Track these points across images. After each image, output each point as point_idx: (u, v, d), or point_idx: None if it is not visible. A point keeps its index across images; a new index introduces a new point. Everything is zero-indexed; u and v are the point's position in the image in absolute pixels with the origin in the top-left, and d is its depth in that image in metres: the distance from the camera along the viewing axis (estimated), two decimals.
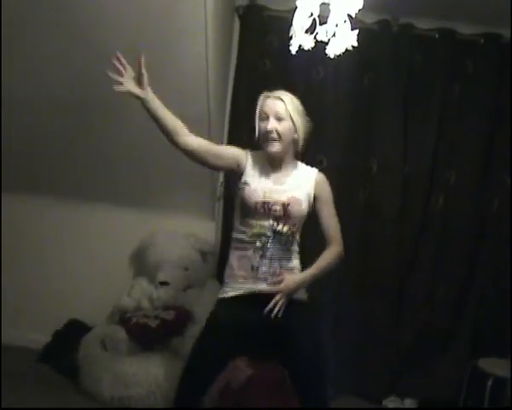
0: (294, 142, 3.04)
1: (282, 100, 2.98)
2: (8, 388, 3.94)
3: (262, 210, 2.92)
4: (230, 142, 4.75)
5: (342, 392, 4.62)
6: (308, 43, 3.02)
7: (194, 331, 4.19)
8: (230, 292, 2.98)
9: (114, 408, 3.96)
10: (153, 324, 4.20)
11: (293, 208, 2.95)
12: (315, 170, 3.13)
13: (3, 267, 4.94)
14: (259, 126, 3.01)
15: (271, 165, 3.04)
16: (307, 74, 4.62)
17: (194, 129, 4.32)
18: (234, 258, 3.01)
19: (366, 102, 4.68)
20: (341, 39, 2.98)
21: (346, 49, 3.09)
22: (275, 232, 2.93)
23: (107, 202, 4.86)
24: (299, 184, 3.04)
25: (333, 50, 2.99)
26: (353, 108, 4.66)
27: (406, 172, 4.68)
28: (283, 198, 2.94)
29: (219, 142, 4.71)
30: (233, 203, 4.66)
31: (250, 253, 2.94)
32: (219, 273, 4.77)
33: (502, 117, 4.62)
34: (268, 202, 2.92)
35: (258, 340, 3.11)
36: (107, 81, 4.10)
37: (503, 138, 4.64)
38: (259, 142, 3.03)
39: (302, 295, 3.06)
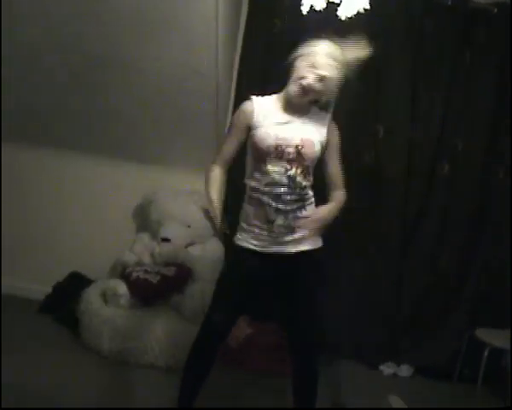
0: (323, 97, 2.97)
1: (331, 65, 2.86)
2: (8, 337, 3.98)
3: (275, 153, 2.86)
4: (238, 97, 4.74)
5: (339, 356, 4.65)
6: (320, 3, 3.00)
7: (194, 288, 4.22)
8: (245, 243, 2.96)
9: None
10: (154, 279, 4.22)
11: (306, 150, 2.88)
12: (328, 115, 3.04)
13: (4, 219, 4.94)
14: (299, 69, 2.87)
15: (285, 107, 2.97)
16: (317, 37, 4.57)
17: (203, 84, 4.33)
18: (249, 206, 2.97)
19: (375, 66, 4.64)
20: (353, 1, 2.96)
21: (358, 12, 3.07)
22: (289, 178, 2.86)
23: (111, 156, 4.86)
24: (312, 127, 2.96)
25: (344, 12, 2.98)
26: (362, 72, 4.62)
27: (413, 137, 4.65)
28: (296, 140, 2.87)
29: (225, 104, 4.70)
30: (241, 157, 4.69)
31: (266, 203, 2.88)
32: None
33: (511, 86, 4.59)
34: (281, 145, 2.85)
35: (265, 295, 3.10)
36: (113, 33, 4.10)
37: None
38: (289, 78, 2.92)
39: (318, 243, 3.03)
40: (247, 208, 2.98)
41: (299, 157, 2.87)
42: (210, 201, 2.96)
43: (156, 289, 4.20)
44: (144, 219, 4.81)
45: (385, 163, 4.68)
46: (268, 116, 2.93)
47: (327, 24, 4.41)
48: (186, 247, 4.61)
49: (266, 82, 4.70)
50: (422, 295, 4.75)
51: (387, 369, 4.70)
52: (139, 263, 4.45)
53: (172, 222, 4.60)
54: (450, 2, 4.55)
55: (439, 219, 4.70)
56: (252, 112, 2.95)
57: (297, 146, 2.87)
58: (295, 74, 2.88)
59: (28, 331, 4.28)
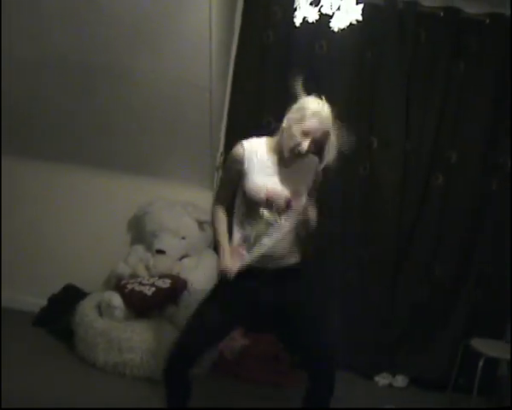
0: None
1: (328, 132, 2.89)
2: (4, 350, 3.97)
3: (265, 205, 2.90)
4: (232, 109, 4.75)
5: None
6: (312, 15, 3.01)
7: (189, 300, 4.22)
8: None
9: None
10: (148, 291, 4.21)
11: (294, 203, 2.93)
12: (314, 158, 3.04)
13: (2, 230, 4.94)
14: (294, 132, 2.87)
15: (275, 154, 3.00)
16: (310, 48, 4.60)
17: (197, 96, 4.34)
18: (237, 235, 3.00)
19: (369, 77, 4.66)
20: (346, 13, 2.98)
21: (351, 24, 3.08)
22: (276, 225, 2.92)
23: (106, 167, 4.85)
24: (301, 175, 3.02)
25: (337, 24, 2.99)
26: (355, 84, 4.65)
27: (407, 149, 4.66)
28: (285, 193, 2.92)
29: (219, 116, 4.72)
30: None
31: (252, 240, 2.93)
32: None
33: (505, 98, 4.60)
34: (271, 198, 2.90)
35: (256, 311, 3.11)
36: (108, 45, 4.11)
37: (506, 120, 4.62)
38: (284, 138, 2.93)
39: (295, 259, 3.06)
40: (235, 235, 3.02)
41: (287, 209, 2.93)
42: (220, 242, 3.07)
43: (151, 301, 4.19)
44: (139, 231, 4.81)
45: (379, 175, 4.69)
46: (258, 165, 2.96)
47: (320, 36, 4.50)
48: (181, 259, 4.62)
49: (260, 93, 4.72)
50: (417, 306, 4.74)
51: (383, 380, 4.70)
52: (134, 275, 4.44)
53: (167, 234, 4.60)
54: (442, 14, 4.57)
55: (434, 230, 4.71)
56: (242, 158, 2.96)
57: (286, 199, 2.92)
58: (289, 140, 2.89)
59: (24, 344, 4.27)
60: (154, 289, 4.24)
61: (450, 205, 4.70)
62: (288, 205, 2.92)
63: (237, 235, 2.99)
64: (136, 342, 4.02)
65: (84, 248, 4.96)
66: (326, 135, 2.87)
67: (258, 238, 2.92)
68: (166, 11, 3.90)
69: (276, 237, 2.91)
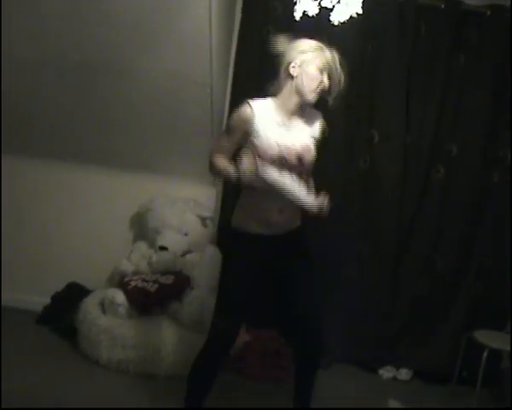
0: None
1: (335, 58, 2.97)
2: (7, 349, 3.98)
3: (278, 162, 2.90)
4: (233, 105, 4.74)
5: (337, 360, 4.65)
6: (312, 9, 3.01)
7: (192, 296, 4.22)
8: (244, 227, 3.04)
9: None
10: (151, 288, 4.22)
11: (305, 157, 2.98)
12: (318, 113, 3.15)
13: (3, 230, 4.94)
14: (311, 72, 2.93)
15: (282, 110, 3.03)
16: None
17: (197, 92, 4.33)
18: (247, 201, 3.05)
19: (369, 71, 4.65)
20: (346, 6, 2.97)
21: (351, 17, 3.07)
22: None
23: (107, 165, 4.85)
24: (308, 128, 3.07)
25: (337, 17, 2.98)
26: (356, 77, 4.64)
27: (407, 142, 4.65)
28: (296, 147, 2.96)
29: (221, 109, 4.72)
30: None
31: (265, 206, 2.98)
32: (219, 239, 4.79)
33: (505, 90, 4.59)
34: (282, 154, 2.92)
35: (264, 283, 3.14)
36: (108, 43, 4.10)
37: (506, 112, 4.61)
38: (298, 83, 2.98)
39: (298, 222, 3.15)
40: (245, 202, 3.07)
41: (299, 164, 2.96)
42: (221, 166, 2.99)
43: (154, 297, 4.20)
44: (141, 228, 4.81)
45: (380, 168, 4.69)
46: (267, 123, 2.97)
47: (320, 30, 4.49)
48: (183, 255, 4.62)
49: (261, 89, 4.71)
50: (418, 299, 4.74)
51: (386, 373, 4.70)
52: (137, 272, 4.45)
53: (170, 230, 4.60)
54: (443, 6, 4.56)
55: (434, 223, 4.71)
56: (251, 118, 2.96)
57: (297, 153, 2.95)
58: (310, 81, 2.94)
59: (27, 342, 4.28)
60: (157, 285, 4.25)
61: (450, 198, 4.69)
62: (299, 160, 2.95)
63: (247, 202, 3.04)
64: (139, 339, 4.03)
65: (86, 245, 4.96)
66: (335, 73, 2.96)
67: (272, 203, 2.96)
68: (166, 8, 3.89)
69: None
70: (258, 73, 4.67)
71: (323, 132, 3.15)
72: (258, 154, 2.90)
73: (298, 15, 3.05)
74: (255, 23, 4.64)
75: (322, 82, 2.93)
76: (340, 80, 2.98)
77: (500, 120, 4.63)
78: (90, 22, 4.00)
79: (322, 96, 2.99)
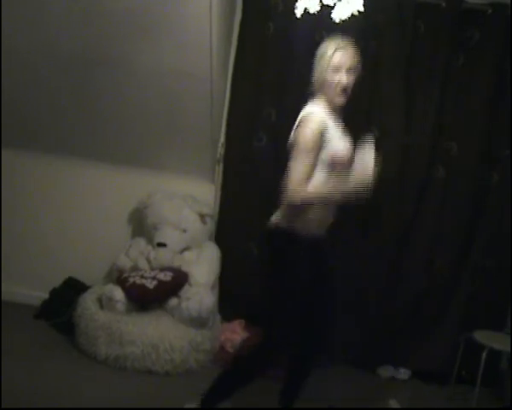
0: None
1: (350, 53, 3.00)
2: (6, 343, 3.97)
3: (340, 166, 3.02)
4: (233, 101, 4.74)
5: (336, 360, 4.64)
6: (313, 6, 3.00)
7: (190, 293, 4.22)
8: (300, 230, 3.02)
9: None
10: (150, 285, 4.21)
11: (350, 156, 3.07)
12: None
13: (2, 224, 4.93)
14: (328, 77, 2.97)
15: (331, 114, 3.06)
16: (311, 40, 4.57)
17: (197, 87, 4.32)
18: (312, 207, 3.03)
19: (369, 68, 4.63)
20: (347, 4, 2.96)
21: (352, 14, 3.06)
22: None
23: (106, 160, 4.83)
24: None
25: (338, 15, 2.98)
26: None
27: (407, 140, 4.64)
28: (349, 150, 3.07)
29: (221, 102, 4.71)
30: (232, 165, 4.65)
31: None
32: (218, 236, 4.79)
33: (505, 89, 4.58)
34: (341, 157, 3.02)
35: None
36: (107, 37, 4.08)
37: (506, 111, 4.59)
38: (321, 90, 3.03)
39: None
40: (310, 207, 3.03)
41: (347, 164, 3.04)
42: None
43: (153, 294, 4.20)
44: (140, 224, 4.81)
45: (379, 167, 4.67)
46: (331, 129, 3.00)
47: (321, 27, 4.47)
48: (182, 252, 4.61)
49: (261, 85, 4.70)
50: (418, 298, 4.73)
51: (385, 372, 4.69)
52: (135, 268, 4.44)
53: (168, 227, 4.59)
54: (444, 4, 4.54)
55: (434, 222, 4.69)
56: (325, 128, 2.95)
57: (349, 157, 3.06)
58: (329, 87, 2.99)
59: (25, 337, 4.27)
60: (155, 282, 4.24)
61: (449, 197, 4.68)
62: (349, 162, 3.03)
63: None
64: (137, 336, 4.02)
65: (84, 241, 4.95)
66: (353, 67, 3.00)
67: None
68: (166, 2, 3.88)
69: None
70: (259, 69, 4.67)
71: None
72: (329, 163, 2.97)
73: (299, 13, 3.04)
74: (256, 20, 4.63)
75: (339, 82, 2.96)
76: (355, 76, 3.04)
77: (500, 119, 4.61)
78: (89, 15, 3.98)
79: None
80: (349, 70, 2.97)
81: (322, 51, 3.01)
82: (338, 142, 3.00)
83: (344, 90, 2.98)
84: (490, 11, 4.50)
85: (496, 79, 4.57)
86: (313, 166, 2.95)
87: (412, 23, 4.55)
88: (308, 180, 2.92)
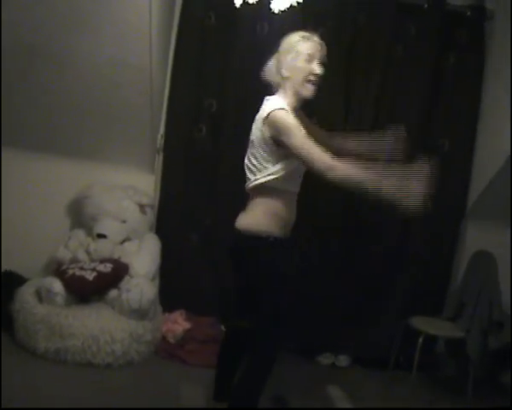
0: None
1: (322, 44, 2.96)
2: None
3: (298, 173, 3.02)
4: (173, 91, 4.71)
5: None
6: None
7: (131, 284, 4.19)
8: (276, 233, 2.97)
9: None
10: (89, 276, 4.17)
11: None
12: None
13: None
14: (301, 67, 2.91)
15: (294, 112, 2.96)
16: (251, 30, 4.58)
17: (137, 77, 4.29)
18: (278, 208, 2.98)
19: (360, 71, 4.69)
20: None
21: (291, 5, 3.08)
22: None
23: (44, 151, 4.75)
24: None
25: (277, 5, 2.98)
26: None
27: (346, 128, 4.67)
28: None
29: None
30: (172, 156, 4.61)
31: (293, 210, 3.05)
32: (158, 226, 4.77)
33: (443, 80, 4.71)
34: None
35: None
36: (45, 28, 4.01)
37: (443, 102, 4.74)
38: (287, 83, 2.95)
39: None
40: (276, 207, 2.99)
41: None
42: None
43: (92, 286, 4.15)
44: (79, 215, 4.74)
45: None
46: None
47: (262, 17, 4.49)
48: (122, 243, 4.58)
49: (201, 75, 4.70)
50: (357, 286, 4.80)
51: (325, 360, 4.75)
52: (74, 260, 4.39)
53: (108, 218, 4.54)
54: (426, 6, 4.62)
55: (373, 211, 4.76)
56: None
57: None
58: (301, 74, 2.92)
59: None
60: (95, 273, 4.20)
61: None
62: None
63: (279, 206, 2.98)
64: (77, 328, 3.97)
65: (22, 233, 4.86)
66: (324, 59, 2.94)
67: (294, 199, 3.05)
68: None
69: None
70: (199, 59, 4.66)
71: None
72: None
73: (238, 2, 3.05)
74: (197, 9, 4.62)
75: (312, 70, 2.91)
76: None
77: (439, 109, 4.74)
78: (26, 6, 3.91)
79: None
80: (320, 61, 2.94)
81: (291, 42, 2.95)
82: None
83: (315, 80, 2.94)
84: (468, 13, 4.62)
85: (435, 70, 4.69)
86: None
87: (354, 13, 4.61)
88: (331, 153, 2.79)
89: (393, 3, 4.62)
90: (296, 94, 2.96)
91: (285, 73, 2.93)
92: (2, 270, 4.72)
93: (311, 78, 2.92)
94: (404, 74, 4.71)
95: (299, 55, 2.90)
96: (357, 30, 4.63)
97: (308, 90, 2.95)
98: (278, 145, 2.85)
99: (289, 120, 2.83)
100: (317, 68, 2.91)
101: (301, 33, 2.95)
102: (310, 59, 2.90)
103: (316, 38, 2.95)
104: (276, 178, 2.91)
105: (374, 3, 4.63)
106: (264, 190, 2.96)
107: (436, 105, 4.75)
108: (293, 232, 3.10)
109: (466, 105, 4.77)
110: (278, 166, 2.90)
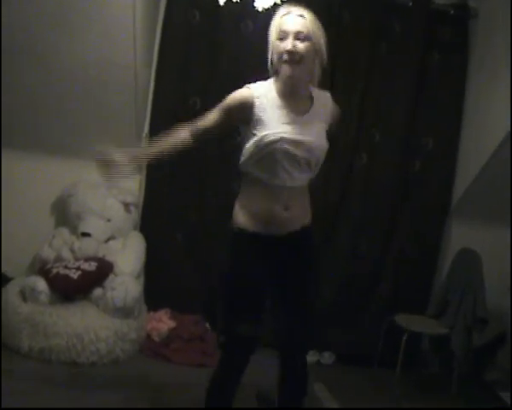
0: (316, 67, 2.70)
1: (304, 17, 2.60)
2: None
3: (285, 158, 2.64)
4: (157, 90, 4.70)
5: (262, 345, 4.66)
6: None
7: (115, 283, 4.18)
8: (250, 228, 2.76)
9: None
10: (73, 275, 4.15)
11: (317, 154, 2.71)
12: (328, 94, 2.84)
13: None
14: (275, 47, 2.62)
15: (285, 97, 2.69)
16: (236, 28, 4.58)
17: (121, 76, 4.27)
18: (251, 199, 2.78)
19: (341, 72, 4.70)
20: None
21: (275, 3, 3.08)
22: (295, 183, 2.72)
23: (28, 150, 4.72)
24: (318, 120, 2.74)
25: (261, 3, 2.98)
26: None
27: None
28: (306, 144, 2.66)
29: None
30: None
31: (270, 205, 2.72)
32: (143, 225, 4.76)
33: (427, 79, 4.75)
34: (288, 150, 2.63)
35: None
36: (30, 28, 3.99)
37: (429, 101, 4.77)
38: (274, 67, 2.69)
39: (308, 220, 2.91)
40: (247, 200, 2.80)
41: (309, 160, 2.71)
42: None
43: (76, 284, 4.14)
44: (63, 214, 4.73)
45: None
46: (270, 113, 2.66)
47: (246, 15, 4.49)
48: (107, 241, 4.57)
49: (186, 73, 4.69)
50: (342, 283, 4.82)
51: (310, 357, 4.75)
52: (59, 259, 4.37)
53: (92, 216, 4.53)
54: (410, 4, 4.64)
55: (358, 209, 4.79)
56: (251, 102, 2.66)
57: (308, 150, 2.67)
58: (274, 53, 2.65)
59: None
60: (79, 272, 4.19)
61: (373, 184, 4.79)
62: (309, 158, 2.69)
63: (251, 201, 2.78)
64: (61, 327, 3.95)
65: (6, 232, 4.82)
66: (310, 31, 2.59)
67: (276, 193, 2.71)
68: None
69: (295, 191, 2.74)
70: (184, 57, 4.65)
71: (336, 117, 2.89)
72: (260, 149, 2.64)
73: (222, 1, 3.05)
74: (181, 7, 4.61)
75: (284, 48, 2.58)
76: (317, 36, 2.63)
77: (423, 108, 4.77)
78: (11, 6, 3.88)
79: (304, 62, 2.61)
80: (298, 35, 2.57)
81: (273, 21, 2.68)
82: (276, 124, 2.64)
83: (291, 58, 2.57)
84: (452, 11, 4.64)
85: (419, 69, 4.71)
86: (212, 124, 2.77)
87: (338, 13, 4.62)
88: (199, 129, 2.82)
89: (378, 1, 4.64)
90: (279, 77, 2.68)
91: (269, 56, 2.70)
92: None
93: (285, 56, 2.57)
94: (389, 73, 4.73)
95: (273, 33, 2.63)
96: (341, 28, 4.64)
97: (285, 71, 2.61)
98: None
99: (227, 99, 2.71)
100: (289, 45, 2.56)
101: (283, 9, 2.66)
102: (284, 35, 2.58)
103: (296, 12, 2.62)
104: (245, 160, 2.73)
105: (358, 1, 4.65)
106: (242, 175, 2.83)
107: (420, 103, 4.77)
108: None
109: (450, 103, 4.80)
110: (245, 147, 2.73)
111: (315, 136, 2.70)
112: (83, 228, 4.50)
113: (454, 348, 4.35)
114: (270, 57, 2.68)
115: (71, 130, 4.67)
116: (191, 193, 4.76)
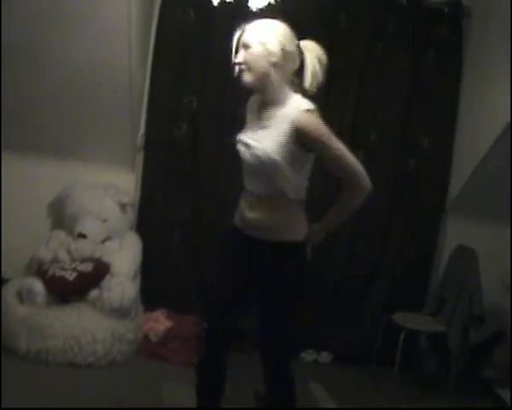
0: (275, 68, 2.60)
1: (250, 30, 2.63)
2: None
3: (242, 163, 2.72)
4: (153, 89, 4.70)
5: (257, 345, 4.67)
6: None
7: (112, 283, 4.18)
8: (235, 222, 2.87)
9: None
10: (70, 276, 4.15)
11: (265, 163, 2.57)
12: (299, 107, 2.60)
13: None
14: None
15: (261, 102, 2.72)
16: (230, 27, 4.56)
17: (116, 77, 4.27)
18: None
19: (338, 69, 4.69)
20: None
21: (269, 3, 3.08)
22: (256, 190, 2.72)
23: (25, 151, 4.72)
24: (274, 129, 2.60)
25: (255, 3, 2.98)
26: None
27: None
28: (253, 148, 2.61)
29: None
30: (153, 154, 4.60)
31: (241, 202, 2.81)
32: (139, 225, 4.76)
33: (422, 79, 4.75)
34: (240, 153, 2.70)
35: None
36: (26, 27, 3.98)
37: (424, 99, 4.79)
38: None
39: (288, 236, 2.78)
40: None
41: (255, 166, 2.66)
42: None
43: (73, 286, 4.14)
44: (60, 215, 4.72)
45: None
46: (248, 117, 2.81)
47: (240, 14, 4.48)
48: (103, 242, 4.57)
49: (181, 73, 4.69)
50: (340, 282, 4.82)
51: (308, 356, 4.76)
52: (55, 260, 4.37)
53: (88, 217, 4.52)
54: (404, 2, 4.64)
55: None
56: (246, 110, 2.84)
57: (254, 155, 2.62)
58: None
59: None
60: (76, 273, 4.19)
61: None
62: (254, 165, 2.66)
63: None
64: (58, 328, 3.95)
65: (3, 233, 4.82)
66: (253, 37, 2.58)
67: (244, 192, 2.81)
68: None
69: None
70: (179, 57, 4.65)
71: (313, 138, 2.61)
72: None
73: (215, 1, 3.04)
74: (176, 6, 4.60)
75: (234, 62, 2.62)
76: (269, 46, 2.58)
77: (418, 107, 4.78)
78: (7, 5, 3.88)
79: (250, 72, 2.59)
80: (245, 46, 2.58)
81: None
82: (246, 125, 2.77)
83: (239, 68, 2.59)
84: (446, 10, 4.65)
85: (413, 68, 4.71)
86: None
87: (333, 13, 4.62)
88: None
89: (374, 2, 4.64)
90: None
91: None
92: None
93: (235, 68, 2.62)
94: (384, 72, 4.73)
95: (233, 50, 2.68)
96: (337, 29, 4.64)
97: (245, 83, 2.62)
98: None
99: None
100: (233, 57, 2.62)
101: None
102: (235, 49, 2.64)
103: (246, 27, 2.65)
104: None
105: (354, 3, 4.65)
106: None
107: (415, 102, 4.77)
108: None
109: (444, 102, 4.82)
110: None
111: (265, 142, 2.59)
112: (79, 229, 4.49)
113: (451, 346, 4.36)
114: None
115: (66, 130, 4.66)
116: (187, 193, 4.76)
